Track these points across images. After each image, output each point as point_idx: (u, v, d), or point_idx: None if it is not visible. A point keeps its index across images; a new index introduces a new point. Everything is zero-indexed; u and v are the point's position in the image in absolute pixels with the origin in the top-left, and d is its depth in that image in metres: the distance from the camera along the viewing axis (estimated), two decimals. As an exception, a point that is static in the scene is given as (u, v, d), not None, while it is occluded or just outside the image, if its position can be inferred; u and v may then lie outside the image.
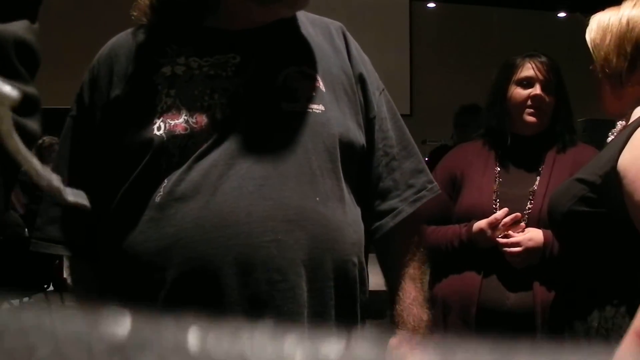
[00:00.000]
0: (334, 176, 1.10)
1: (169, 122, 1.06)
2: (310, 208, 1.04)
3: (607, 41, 1.47)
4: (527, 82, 1.99)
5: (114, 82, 1.14)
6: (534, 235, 1.84)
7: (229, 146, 1.04)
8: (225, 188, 1.01)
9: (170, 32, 1.16)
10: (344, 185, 1.12)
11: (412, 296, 1.21)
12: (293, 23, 1.18)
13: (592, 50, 1.49)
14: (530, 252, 1.83)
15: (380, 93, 1.25)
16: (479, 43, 9.92)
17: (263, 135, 1.06)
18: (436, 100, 9.24)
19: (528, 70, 2.00)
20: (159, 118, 1.07)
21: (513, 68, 2.02)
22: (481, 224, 1.87)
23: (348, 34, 1.25)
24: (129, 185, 1.07)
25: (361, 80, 1.21)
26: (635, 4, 1.47)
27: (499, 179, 1.98)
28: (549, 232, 1.80)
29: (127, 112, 1.10)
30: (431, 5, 10.48)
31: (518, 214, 1.85)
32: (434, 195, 1.26)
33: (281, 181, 1.03)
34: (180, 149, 1.05)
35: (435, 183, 1.28)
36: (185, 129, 1.06)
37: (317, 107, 1.11)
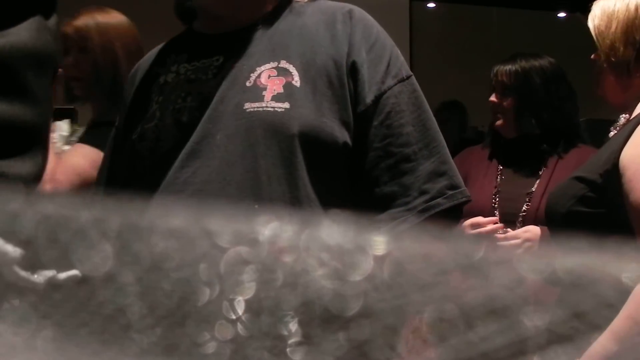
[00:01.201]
0: (286, 182, 1.01)
1: (143, 127, 1.11)
2: None
3: (613, 28, 1.40)
4: (494, 89, 2.10)
5: (131, 95, 1.20)
6: (530, 229, 1.86)
7: (186, 150, 1.04)
8: (169, 192, 1.02)
9: (173, 42, 1.22)
10: (303, 191, 1.02)
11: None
12: (285, 17, 1.15)
13: (596, 37, 1.44)
14: (528, 243, 1.85)
15: (399, 82, 1.11)
16: (479, 43, 9.92)
17: (219, 138, 1.04)
18: (436, 100, 9.24)
19: (494, 77, 2.09)
20: (141, 125, 1.11)
21: (493, 76, 2.12)
22: (466, 222, 1.92)
23: (358, 18, 1.14)
24: (124, 189, 1.11)
25: (353, 70, 1.08)
26: None
27: (500, 178, 2.00)
28: (546, 229, 1.81)
29: (129, 122, 1.16)
30: (431, 5, 10.48)
31: (500, 225, 1.89)
32: (456, 204, 1.06)
33: (221, 187, 1.00)
34: (150, 151, 1.08)
35: (462, 189, 1.09)
36: (154, 132, 1.09)
37: (280, 106, 1.03)
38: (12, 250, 0.91)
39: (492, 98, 2.09)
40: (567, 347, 0.42)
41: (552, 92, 2.03)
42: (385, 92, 1.09)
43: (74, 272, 1.00)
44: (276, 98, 1.03)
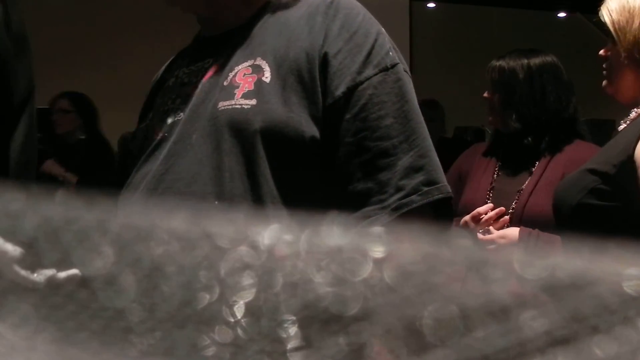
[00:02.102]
0: (248, 179, 1.00)
1: (137, 128, 1.17)
2: None
3: (637, 24, 1.37)
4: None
5: (145, 100, 1.26)
6: (508, 233, 1.87)
7: (165, 149, 1.06)
8: (142, 191, 1.05)
9: (186, 47, 1.27)
10: (265, 188, 0.99)
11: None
12: (271, 15, 1.14)
13: (616, 33, 1.40)
14: (503, 239, 1.86)
15: (381, 72, 1.04)
16: (479, 43, 9.91)
17: (195, 138, 1.05)
18: (436, 99, 9.24)
19: (487, 73, 2.12)
20: (138, 126, 1.17)
21: None
22: (466, 217, 1.92)
23: (341, 7, 1.07)
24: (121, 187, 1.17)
25: (324, 62, 1.03)
26: None
27: (497, 175, 2.01)
28: (527, 229, 1.81)
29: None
30: (431, 5, 10.48)
31: (502, 208, 1.89)
32: (432, 201, 0.98)
33: (188, 184, 1.01)
34: (138, 150, 1.13)
35: (440, 184, 1.00)
36: (143, 132, 1.15)
37: (247, 103, 1.02)
38: (12, 249, 0.91)
39: (485, 94, 2.12)
40: (567, 349, 0.43)
41: (535, 87, 2.02)
42: (361, 83, 1.02)
43: (73, 271, 1.01)
44: (245, 95, 1.03)
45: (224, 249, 0.49)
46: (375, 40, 1.07)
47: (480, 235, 1.89)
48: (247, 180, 1.00)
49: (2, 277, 0.90)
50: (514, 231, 1.87)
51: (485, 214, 1.92)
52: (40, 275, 0.95)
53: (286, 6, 1.12)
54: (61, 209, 0.58)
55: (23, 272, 0.90)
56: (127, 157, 1.23)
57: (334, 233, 0.43)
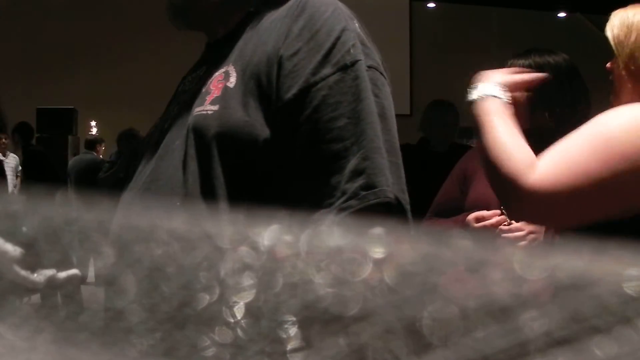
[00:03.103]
0: (205, 182, 1.02)
1: (148, 133, 1.21)
2: None
3: (633, 38, 1.47)
4: None
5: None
6: (538, 229, 1.87)
7: (151, 155, 1.12)
8: (133, 192, 1.09)
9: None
10: (219, 190, 1.01)
11: None
12: (254, 20, 1.14)
13: (615, 47, 1.49)
14: (532, 235, 1.87)
15: (339, 70, 1.01)
16: (479, 43, 9.92)
17: (177, 144, 1.09)
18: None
19: None
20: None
21: None
22: (471, 216, 1.93)
23: (309, 6, 1.05)
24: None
25: (279, 64, 1.01)
26: None
27: None
28: None
29: None
30: (431, 5, 10.49)
31: (503, 218, 1.90)
32: (368, 205, 0.94)
33: (159, 186, 1.07)
34: (140, 156, 1.15)
35: (378, 188, 0.96)
36: (147, 138, 1.18)
37: (212, 108, 1.04)
38: (12, 249, 0.91)
39: None
40: (567, 350, 0.42)
41: (565, 88, 2.04)
42: (315, 83, 0.99)
43: (73, 271, 1.01)
44: (213, 101, 1.05)
45: (224, 250, 0.49)
46: (338, 37, 1.02)
47: (504, 227, 1.90)
48: (204, 183, 1.02)
49: (2, 277, 0.90)
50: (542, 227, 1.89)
51: (489, 218, 1.93)
52: (40, 275, 0.95)
53: (268, 11, 1.13)
54: (61, 209, 0.58)
55: (23, 272, 0.91)
56: (131, 155, 1.28)
57: (334, 234, 0.43)
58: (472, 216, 1.92)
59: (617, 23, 1.49)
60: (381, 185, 0.96)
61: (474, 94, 1.38)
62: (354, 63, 1.01)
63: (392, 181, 0.98)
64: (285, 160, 1.00)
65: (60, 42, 9.17)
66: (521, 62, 2.07)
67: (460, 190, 2.10)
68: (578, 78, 2.05)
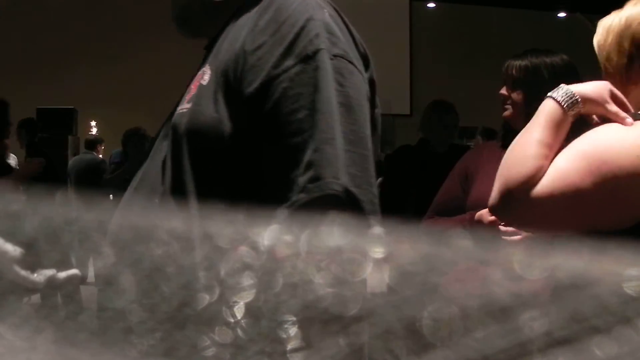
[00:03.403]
0: (176, 178, 1.03)
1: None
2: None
3: (609, 40, 1.50)
4: (504, 82, 2.14)
5: None
6: None
7: (147, 155, 1.15)
8: (130, 190, 1.11)
9: None
10: (189, 186, 1.01)
11: None
12: (234, 20, 1.14)
13: (598, 53, 1.53)
14: (530, 239, 1.87)
15: (300, 62, 0.99)
16: (478, 43, 9.93)
17: (159, 143, 1.13)
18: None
19: (505, 71, 2.15)
20: None
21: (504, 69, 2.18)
22: (482, 211, 1.93)
23: (273, 1, 1.05)
24: None
25: (244, 59, 1.01)
26: (636, 3, 1.51)
27: None
28: None
29: None
30: (431, 5, 10.49)
31: None
32: (315, 197, 0.93)
33: (144, 185, 1.09)
34: (145, 157, 1.17)
35: (322, 181, 0.93)
36: (153, 137, 1.18)
37: (187, 107, 1.05)
38: (12, 249, 0.91)
39: (502, 91, 2.15)
40: (567, 350, 0.42)
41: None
42: (277, 76, 0.98)
43: (73, 271, 1.02)
44: (190, 100, 1.06)
45: (224, 250, 0.49)
46: (302, 27, 1.00)
47: (502, 228, 1.91)
48: (176, 179, 1.03)
49: (2, 277, 0.90)
50: None
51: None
52: (40, 276, 0.95)
53: (247, 10, 1.12)
54: (61, 209, 0.58)
55: (23, 272, 0.91)
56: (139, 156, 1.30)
57: (334, 234, 0.43)
58: (484, 211, 1.92)
59: (600, 30, 1.53)
60: (326, 177, 0.93)
61: (553, 92, 1.38)
62: (316, 53, 0.98)
63: (346, 173, 0.95)
64: (251, 155, 0.99)
65: (60, 42, 9.17)
66: (518, 62, 2.10)
67: (462, 189, 2.11)
68: (575, 77, 2.06)
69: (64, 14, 9.29)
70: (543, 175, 1.21)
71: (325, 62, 0.98)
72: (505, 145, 2.15)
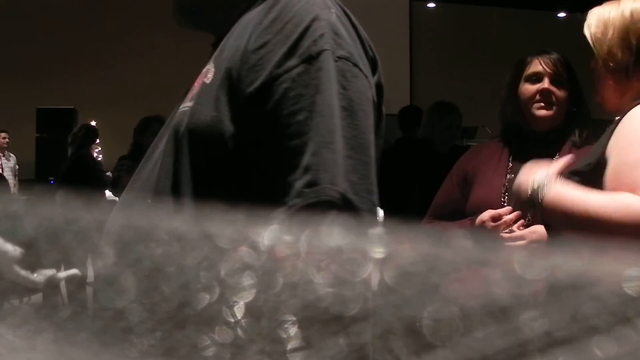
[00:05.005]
0: (173, 178, 1.01)
1: None
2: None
3: (610, 35, 1.47)
4: (536, 78, 2.03)
5: None
6: (537, 229, 1.85)
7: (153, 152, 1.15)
8: (128, 189, 1.10)
9: None
10: (186, 187, 1.00)
11: None
12: (242, 16, 1.12)
13: (594, 44, 1.49)
14: (534, 245, 1.85)
15: (303, 62, 0.97)
16: (479, 43, 9.93)
17: (158, 142, 1.11)
18: (436, 100, 9.25)
19: (536, 66, 2.03)
20: None
21: (523, 65, 2.07)
22: (484, 216, 1.90)
23: (275, 2, 1.03)
24: None
25: (247, 57, 0.99)
26: None
27: (510, 174, 2.00)
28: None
29: None
30: (431, 5, 10.49)
31: (519, 213, 1.87)
32: (311, 203, 0.90)
33: (141, 184, 1.08)
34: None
35: (319, 186, 0.91)
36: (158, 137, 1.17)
37: (187, 105, 1.03)
38: (12, 249, 0.91)
39: (546, 85, 2.04)
40: (566, 350, 0.42)
41: (580, 86, 2.06)
42: (278, 76, 0.95)
43: (73, 271, 1.02)
44: (192, 98, 1.04)
45: (224, 250, 0.49)
46: (307, 27, 0.97)
47: (505, 235, 1.89)
48: (173, 178, 1.00)
49: (2, 277, 0.90)
50: (541, 227, 1.86)
51: (505, 215, 1.91)
52: (40, 276, 0.95)
53: (254, 7, 1.11)
54: (61, 209, 0.58)
55: (23, 272, 0.91)
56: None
57: (334, 234, 0.43)
58: (486, 216, 1.88)
59: (594, 21, 1.49)
60: (323, 182, 0.90)
61: (538, 190, 1.42)
62: (320, 53, 0.95)
63: (345, 180, 0.93)
64: (251, 155, 0.96)
65: (60, 42, 9.16)
66: (554, 57, 2.04)
67: (461, 192, 2.08)
68: (572, 75, 2.04)
69: (64, 14, 9.29)
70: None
71: (329, 64, 0.96)
72: (506, 143, 2.12)
